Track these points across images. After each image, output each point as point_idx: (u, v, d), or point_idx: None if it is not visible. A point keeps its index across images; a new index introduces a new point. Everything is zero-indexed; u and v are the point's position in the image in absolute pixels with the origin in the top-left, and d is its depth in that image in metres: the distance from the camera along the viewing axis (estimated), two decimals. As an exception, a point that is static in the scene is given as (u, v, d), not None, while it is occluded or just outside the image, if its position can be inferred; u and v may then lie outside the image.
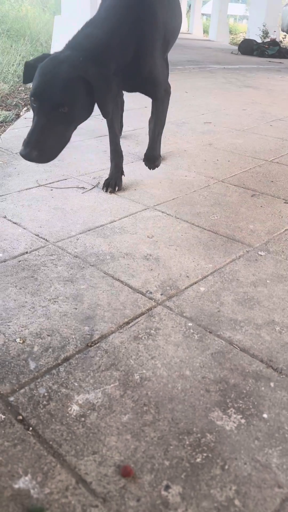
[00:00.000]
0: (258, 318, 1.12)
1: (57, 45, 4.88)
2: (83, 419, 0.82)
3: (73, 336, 1.03)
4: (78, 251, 1.40)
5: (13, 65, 5.00)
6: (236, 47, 9.43)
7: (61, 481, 0.71)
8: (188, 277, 1.29)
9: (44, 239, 1.47)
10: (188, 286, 1.25)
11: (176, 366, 0.96)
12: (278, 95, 4.46)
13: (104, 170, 2.09)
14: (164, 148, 2.31)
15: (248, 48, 8.70)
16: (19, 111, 3.55)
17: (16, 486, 0.71)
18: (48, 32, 9.51)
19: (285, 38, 11.17)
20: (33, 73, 1.38)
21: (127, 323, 1.08)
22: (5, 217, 1.61)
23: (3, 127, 2.94)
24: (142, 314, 1.12)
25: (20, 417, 0.82)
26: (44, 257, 1.36)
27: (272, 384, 0.92)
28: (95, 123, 2.79)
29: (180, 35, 2.03)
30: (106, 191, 1.84)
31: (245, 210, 1.75)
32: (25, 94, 4.34)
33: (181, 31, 1.93)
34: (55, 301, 1.15)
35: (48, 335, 1.03)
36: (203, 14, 16.94)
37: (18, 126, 2.86)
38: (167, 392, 0.89)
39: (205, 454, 0.77)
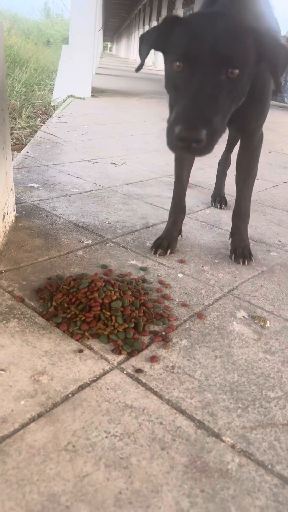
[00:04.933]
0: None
1: (63, 74, 5.64)
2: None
3: (137, 223, 1.77)
4: (125, 192, 2.15)
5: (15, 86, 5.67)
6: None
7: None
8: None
9: (100, 185, 2.21)
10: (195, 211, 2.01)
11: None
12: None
13: (125, 155, 2.87)
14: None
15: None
16: (35, 121, 4.30)
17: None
18: (37, 61, 10.43)
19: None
20: (158, 40, 1.07)
21: (165, 221, 1.83)
22: (69, 174, 2.34)
23: (31, 130, 3.66)
24: (173, 219, 1.87)
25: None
26: (104, 193, 2.10)
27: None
28: (108, 128, 3.59)
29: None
30: (155, 253, 1.51)
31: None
32: (33, 109, 5.08)
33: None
34: (120, 210, 1.89)
35: (123, 222, 1.76)
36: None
37: (49, 125, 3.61)
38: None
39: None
